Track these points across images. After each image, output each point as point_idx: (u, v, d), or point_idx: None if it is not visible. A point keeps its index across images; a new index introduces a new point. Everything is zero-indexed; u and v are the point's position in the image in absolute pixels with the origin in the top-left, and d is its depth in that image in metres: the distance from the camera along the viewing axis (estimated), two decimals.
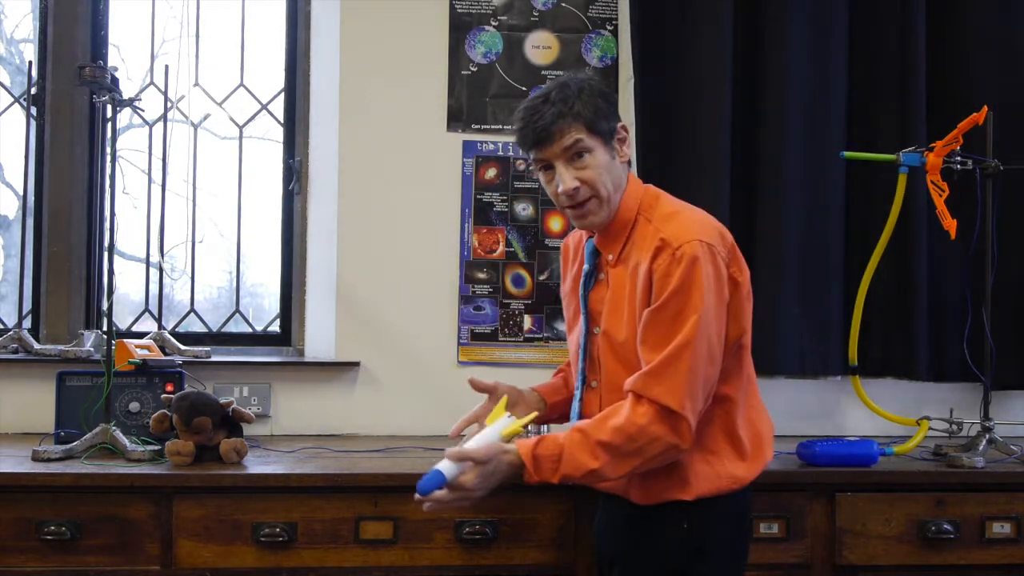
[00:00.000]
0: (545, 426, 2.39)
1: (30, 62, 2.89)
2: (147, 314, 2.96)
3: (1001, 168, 2.54)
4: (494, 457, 1.77)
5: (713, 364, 1.80)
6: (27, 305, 2.86)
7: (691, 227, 1.82)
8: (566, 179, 1.87)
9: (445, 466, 1.75)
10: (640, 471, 1.82)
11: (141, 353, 2.56)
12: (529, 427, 2.08)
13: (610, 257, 1.95)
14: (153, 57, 3.03)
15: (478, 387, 2.09)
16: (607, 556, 2.01)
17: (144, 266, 2.95)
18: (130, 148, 3.09)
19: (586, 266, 2.00)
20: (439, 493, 1.75)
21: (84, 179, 2.96)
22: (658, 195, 1.96)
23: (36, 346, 2.75)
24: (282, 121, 3.06)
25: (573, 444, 1.78)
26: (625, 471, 1.80)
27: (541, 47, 2.96)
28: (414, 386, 2.86)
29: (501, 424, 1.86)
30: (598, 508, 2.07)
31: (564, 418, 2.13)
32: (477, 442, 1.81)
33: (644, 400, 1.76)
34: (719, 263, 1.81)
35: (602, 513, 2.05)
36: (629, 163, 1.98)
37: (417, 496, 1.75)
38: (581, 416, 1.99)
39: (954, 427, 2.60)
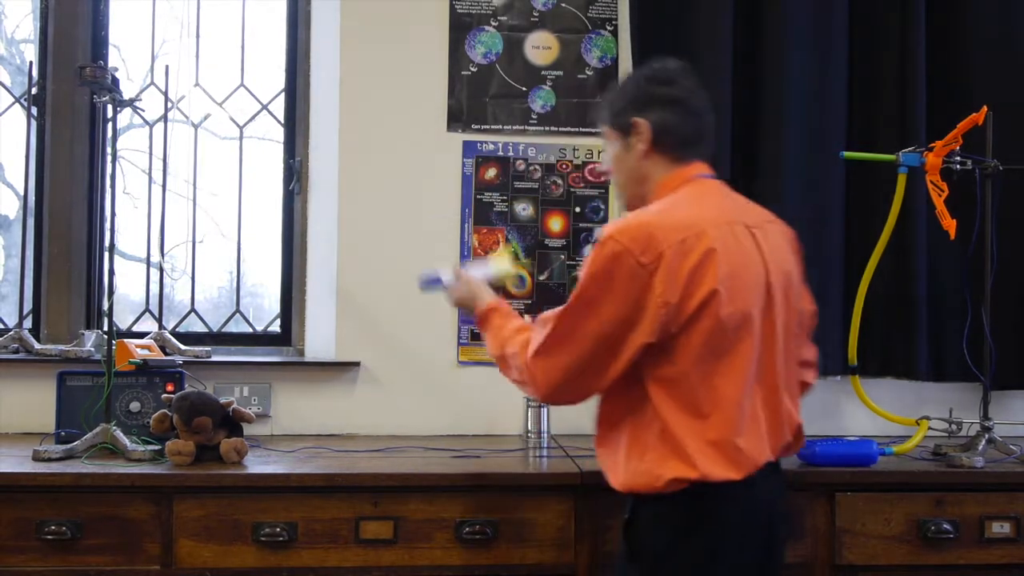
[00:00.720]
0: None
1: (30, 62, 2.90)
2: (147, 314, 2.96)
3: (1001, 168, 2.54)
4: (481, 288, 2.18)
5: (591, 353, 1.81)
6: (28, 305, 2.86)
7: (621, 224, 1.83)
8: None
9: (446, 275, 2.24)
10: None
11: (141, 353, 2.56)
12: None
13: None
14: (153, 57, 3.04)
15: None
16: None
17: (144, 266, 2.95)
18: (130, 148, 3.10)
19: None
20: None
21: (84, 179, 2.96)
22: (679, 192, 1.92)
23: (37, 346, 2.75)
24: (282, 121, 3.06)
25: (504, 325, 2.04)
26: (503, 371, 2.02)
27: (541, 47, 2.96)
28: (414, 386, 2.86)
29: (503, 265, 2.33)
30: None
31: None
32: (474, 271, 2.25)
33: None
34: (625, 264, 1.76)
35: None
36: (669, 155, 1.94)
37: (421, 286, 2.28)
38: None
39: (954, 427, 2.60)
